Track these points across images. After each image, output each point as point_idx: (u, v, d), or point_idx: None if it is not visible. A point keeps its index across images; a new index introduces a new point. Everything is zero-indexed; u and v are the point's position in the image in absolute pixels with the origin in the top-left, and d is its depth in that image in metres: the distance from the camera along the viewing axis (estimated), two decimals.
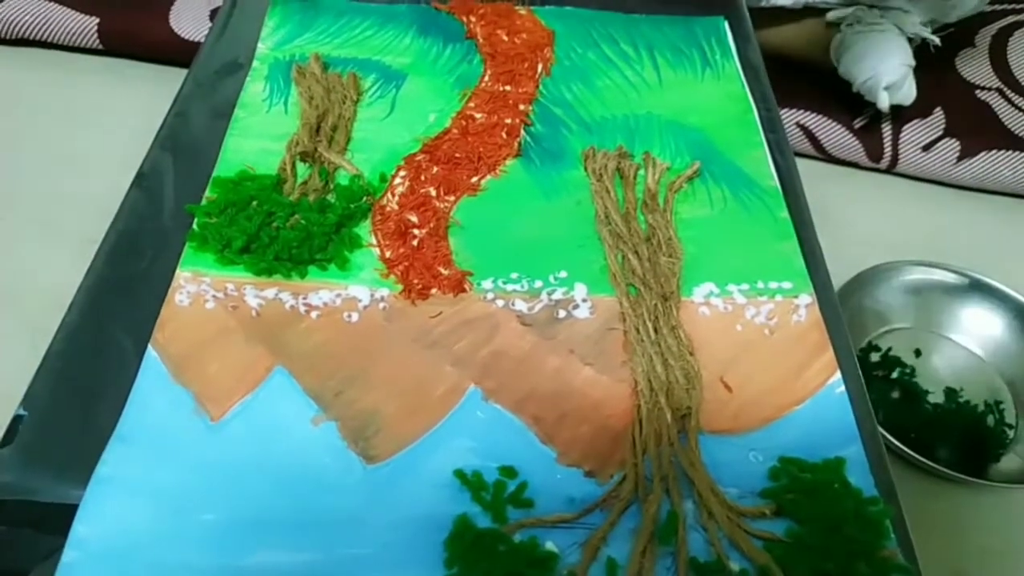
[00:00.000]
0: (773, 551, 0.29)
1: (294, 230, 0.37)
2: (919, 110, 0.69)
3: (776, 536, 0.29)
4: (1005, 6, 0.82)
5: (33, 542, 0.28)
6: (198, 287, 0.36)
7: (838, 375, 0.35)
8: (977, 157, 0.68)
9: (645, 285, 0.37)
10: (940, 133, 0.70)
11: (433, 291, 0.37)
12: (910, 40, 0.66)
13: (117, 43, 0.72)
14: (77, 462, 0.30)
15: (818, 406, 0.34)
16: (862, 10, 0.66)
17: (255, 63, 0.47)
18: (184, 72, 0.47)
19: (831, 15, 0.67)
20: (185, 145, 0.42)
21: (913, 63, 0.64)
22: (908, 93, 0.65)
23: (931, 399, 0.55)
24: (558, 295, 0.37)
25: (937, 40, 0.66)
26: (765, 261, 0.39)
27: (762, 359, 0.35)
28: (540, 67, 0.49)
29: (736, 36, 0.53)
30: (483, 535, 0.29)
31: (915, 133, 0.69)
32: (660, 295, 0.37)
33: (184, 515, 0.29)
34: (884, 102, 0.63)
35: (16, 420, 0.31)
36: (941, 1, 0.66)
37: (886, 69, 0.62)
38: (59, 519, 0.28)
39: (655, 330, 0.36)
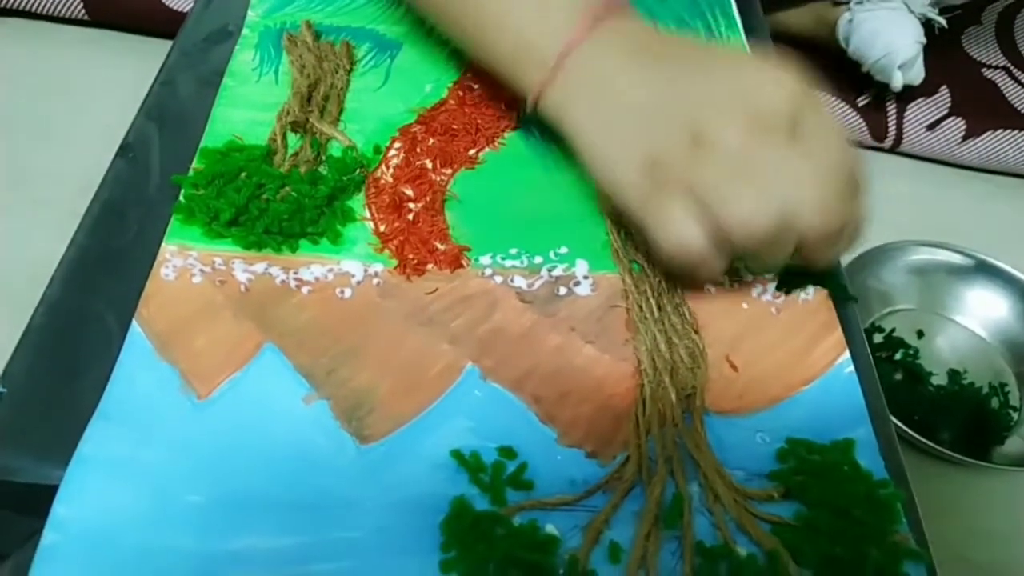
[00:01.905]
0: (781, 535, 0.28)
1: (285, 203, 0.36)
2: (924, 89, 0.68)
3: (784, 520, 0.29)
4: None
5: (12, 524, 0.27)
6: (185, 261, 0.34)
7: (847, 355, 0.34)
8: (982, 136, 0.67)
9: (648, 261, 0.36)
10: (945, 112, 0.68)
11: (429, 267, 0.35)
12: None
13: (103, 13, 0.70)
14: (58, 441, 0.29)
15: (826, 386, 0.33)
16: None
17: (244, 31, 0.46)
18: (171, 43, 0.45)
19: None
20: (172, 114, 0.41)
21: (924, 40, 0.63)
22: (919, 72, 0.64)
23: (935, 381, 0.54)
24: (559, 271, 0.36)
25: (944, 21, 0.65)
26: None
27: (769, 338, 0.34)
28: None
29: (741, 10, 0.51)
30: (481, 518, 0.27)
31: (920, 112, 0.68)
32: (664, 272, 0.36)
33: (169, 496, 0.27)
34: (898, 81, 0.62)
35: None
36: None
37: (900, 47, 0.61)
38: (39, 500, 0.27)
39: (659, 308, 0.34)
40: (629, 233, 0.37)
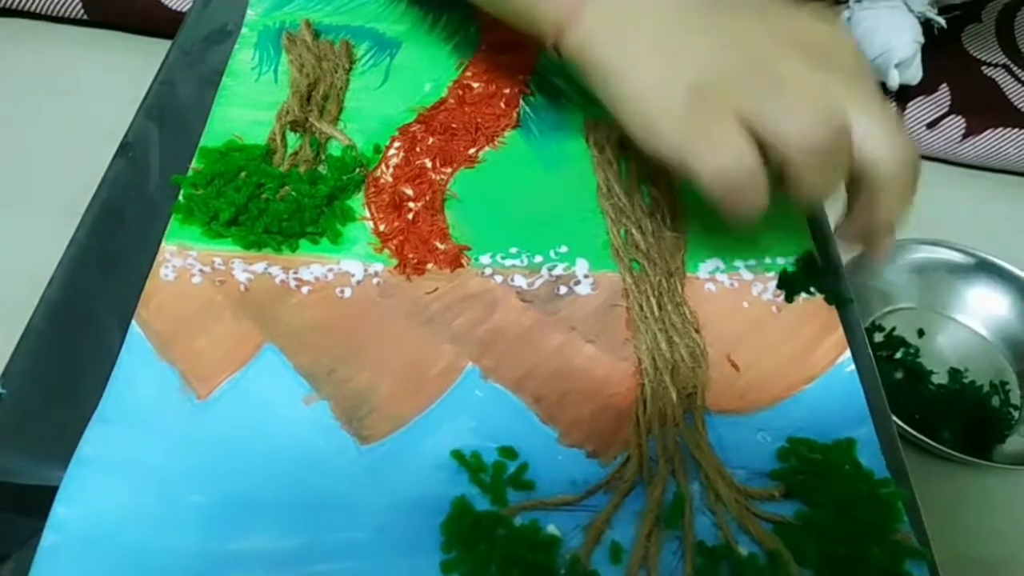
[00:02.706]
0: (783, 534, 0.28)
1: (284, 202, 0.36)
2: (924, 87, 0.68)
3: (786, 519, 0.29)
4: None
5: (12, 525, 0.27)
6: (184, 261, 0.34)
7: (848, 354, 0.34)
8: (983, 135, 0.67)
9: (649, 260, 0.36)
10: (945, 110, 0.68)
11: (429, 266, 0.35)
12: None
13: (102, 13, 0.69)
14: (58, 442, 0.28)
15: (828, 385, 0.33)
16: None
17: (244, 30, 0.46)
18: (170, 43, 0.45)
19: None
20: (171, 114, 0.41)
21: (923, 40, 0.63)
22: (916, 72, 0.64)
23: (935, 380, 0.54)
24: (559, 270, 0.36)
25: (943, 21, 0.65)
26: (772, 237, 0.38)
27: (770, 337, 0.34)
28: None
29: None
30: (482, 518, 0.27)
31: (920, 110, 0.68)
32: (665, 271, 0.36)
33: (169, 497, 0.27)
34: (895, 80, 0.62)
35: None
36: None
37: (897, 46, 0.61)
38: (39, 501, 0.27)
39: (659, 307, 0.34)
40: (630, 232, 0.37)
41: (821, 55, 0.30)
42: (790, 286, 0.36)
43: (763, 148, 0.29)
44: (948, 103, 0.69)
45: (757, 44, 0.30)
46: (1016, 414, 0.53)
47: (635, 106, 0.31)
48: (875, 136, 0.29)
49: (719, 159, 0.29)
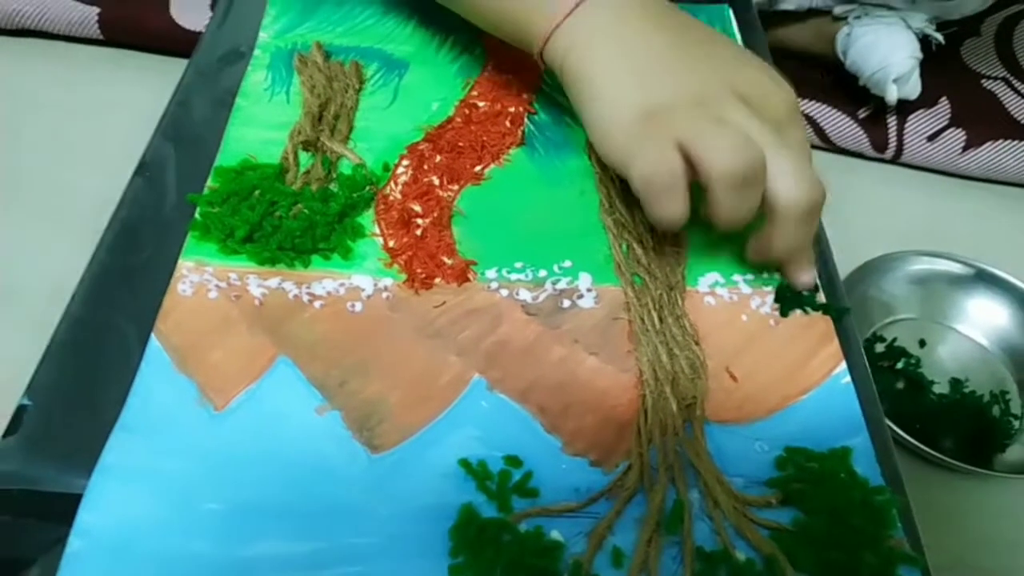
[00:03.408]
0: (779, 540, 0.29)
1: (297, 219, 0.37)
2: (924, 100, 0.69)
3: (782, 525, 0.29)
4: None
5: (38, 531, 0.28)
6: (201, 277, 0.35)
7: (844, 365, 0.35)
8: (983, 147, 0.68)
9: (650, 274, 0.37)
10: (946, 123, 0.69)
11: (437, 281, 0.36)
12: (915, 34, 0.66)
13: (118, 33, 0.71)
14: (81, 451, 0.30)
15: (824, 396, 0.34)
16: (866, 9, 0.66)
17: (256, 52, 0.47)
18: (185, 63, 0.46)
19: (838, 10, 0.67)
20: (187, 134, 0.42)
21: (920, 56, 0.64)
22: (915, 87, 0.64)
23: (936, 390, 0.54)
24: (562, 284, 0.37)
25: (941, 38, 0.66)
26: None
27: (768, 349, 0.35)
28: None
29: (741, 24, 0.52)
30: (488, 524, 0.28)
31: (920, 123, 0.69)
32: (665, 284, 0.37)
33: (188, 504, 0.29)
34: (892, 95, 0.63)
35: (20, 410, 0.31)
36: (941, 4, 0.65)
37: (895, 62, 0.62)
38: (63, 508, 0.28)
39: (660, 319, 0.35)
40: (631, 247, 0.38)
41: (759, 103, 0.35)
42: (786, 301, 0.37)
43: (693, 170, 0.33)
44: (948, 116, 0.69)
45: (708, 85, 0.35)
46: (1016, 423, 0.53)
47: (596, 115, 0.36)
48: (784, 175, 0.33)
49: (648, 164, 0.33)
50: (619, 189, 0.41)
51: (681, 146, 0.33)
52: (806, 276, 0.37)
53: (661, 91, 0.35)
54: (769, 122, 0.34)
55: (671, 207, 0.34)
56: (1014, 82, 0.73)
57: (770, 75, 0.36)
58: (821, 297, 0.37)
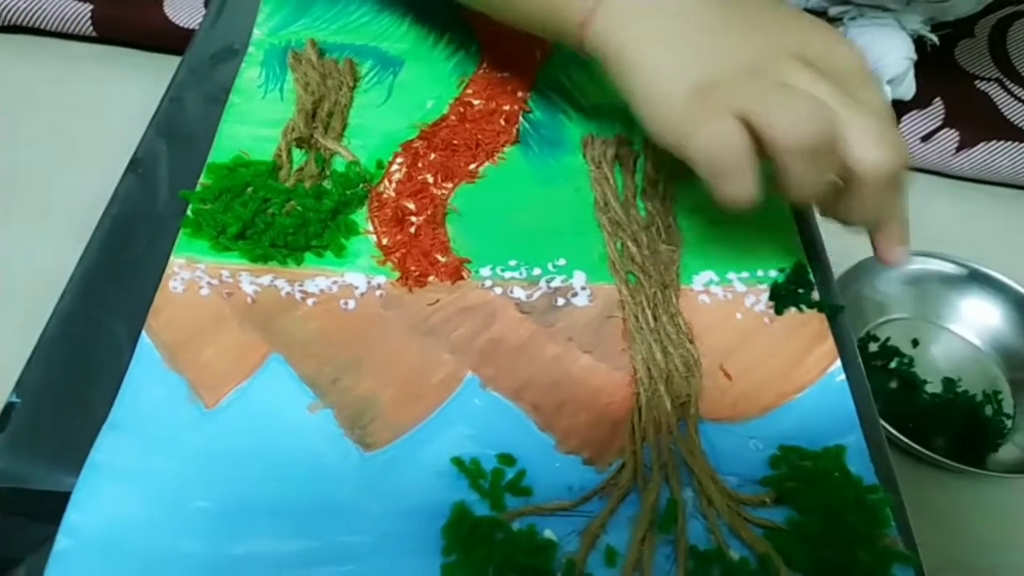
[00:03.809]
0: (773, 539, 0.29)
1: (290, 217, 0.37)
2: (918, 101, 0.69)
3: (776, 524, 0.29)
4: None
5: (26, 530, 0.28)
6: (192, 274, 0.35)
7: (838, 363, 0.35)
8: (976, 148, 0.68)
9: (644, 273, 0.37)
10: (939, 124, 0.69)
11: (430, 278, 0.36)
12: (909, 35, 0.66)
13: (111, 30, 0.71)
14: (70, 449, 0.29)
15: (818, 394, 0.34)
16: (860, 11, 0.66)
17: (250, 49, 0.47)
18: (178, 60, 0.46)
19: (833, 11, 0.67)
20: (180, 131, 0.42)
21: (915, 57, 0.64)
22: (909, 88, 0.65)
23: (929, 389, 0.55)
24: (557, 283, 0.37)
25: (935, 39, 0.66)
26: (765, 249, 0.39)
27: (762, 347, 0.35)
28: (539, 54, 0.49)
29: None
30: (481, 523, 0.28)
31: (914, 124, 0.69)
32: (659, 283, 0.37)
33: (178, 502, 0.28)
34: (887, 96, 0.63)
35: (8, 407, 0.31)
36: (935, 6, 0.65)
37: (889, 63, 0.62)
38: (52, 507, 0.28)
39: (654, 318, 0.35)
40: (625, 245, 0.38)
41: (822, 64, 0.32)
42: (780, 299, 0.37)
43: (758, 144, 0.31)
44: (942, 116, 0.70)
45: (766, 51, 0.32)
46: (1009, 423, 0.53)
47: (644, 94, 0.33)
48: (862, 138, 0.30)
49: (709, 141, 0.31)
50: (614, 187, 0.41)
51: (744, 117, 0.30)
52: (895, 253, 0.34)
53: (714, 61, 0.32)
54: (838, 84, 0.31)
55: (740, 186, 0.31)
56: (1008, 83, 0.74)
57: (834, 35, 0.34)
58: (815, 295, 0.37)
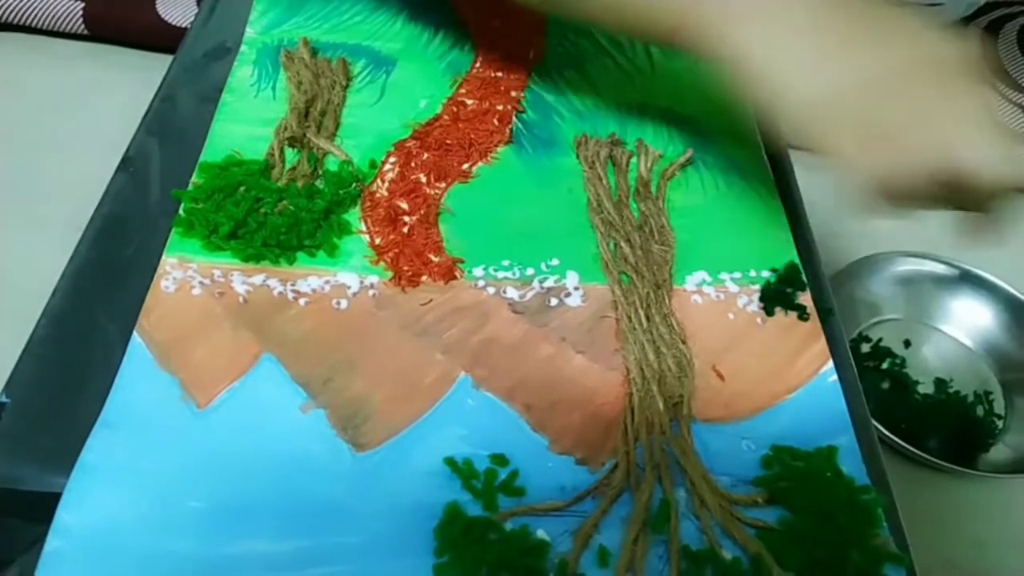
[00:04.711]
0: (765, 539, 0.29)
1: (282, 216, 0.37)
2: None
3: (768, 524, 0.29)
4: None
5: (17, 531, 0.28)
6: (184, 273, 0.35)
7: (830, 364, 0.35)
8: None
9: (637, 273, 0.37)
10: None
11: (423, 278, 0.36)
12: None
13: (103, 28, 0.71)
14: (61, 450, 0.29)
15: (810, 395, 0.34)
16: None
17: (243, 47, 0.47)
18: (170, 58, 0.46)
19: None
20: (171, 129, 0.42)
21: None
22: None
23: (921, 390, 0.55)
24: (550, 283, 0.37)
25: None
26: (758, 249, 0.39)
27: (754, 348, 0.35)
28: (532, 53, 0.49)
29: None
30: (474, 523, 0.28)
31: None
32: (652, 283, 0.37)
33: (170, 502, 0.28)
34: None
35: None
36: (925, 7, 0.65)
37: None
38: (43, 507, 0.28)
39: (647, 318, 0.35)
40: (619, 245, 0.38)
41: (945, 78, 0.32)
42: (770, 300, 0.37)
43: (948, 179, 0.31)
44: None
45: (892, 62, 0.32)
46: (1000, 423, 0.54)
47: (778, 92, 0.33)
48: (986, 159, 0.30)
49: (883, 170, 0.31)
50: (607, 188, 0.41)
51: (877, 138, 0.31)
52: (971, 240, 0.35)
53: (849, 65, 0.32)
54: (959, 96, 0.31)
55: (891, 210, 0.32)
56: (1000, 86, 0.74)
57: (955, 43, 0.33)
58: (807, 297, 0.37)
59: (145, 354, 0.32)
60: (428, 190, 0.40)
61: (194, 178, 0.39)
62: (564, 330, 0.35)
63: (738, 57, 0.33)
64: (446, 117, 0.44)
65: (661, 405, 0.32)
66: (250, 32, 0.48)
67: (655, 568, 0.28)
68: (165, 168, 0.40)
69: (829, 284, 0.39)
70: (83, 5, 0.69)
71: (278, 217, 0.37)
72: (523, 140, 0.43)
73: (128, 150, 0.40)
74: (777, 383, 0.34)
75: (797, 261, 0.39)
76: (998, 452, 0.52)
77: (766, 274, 0.38)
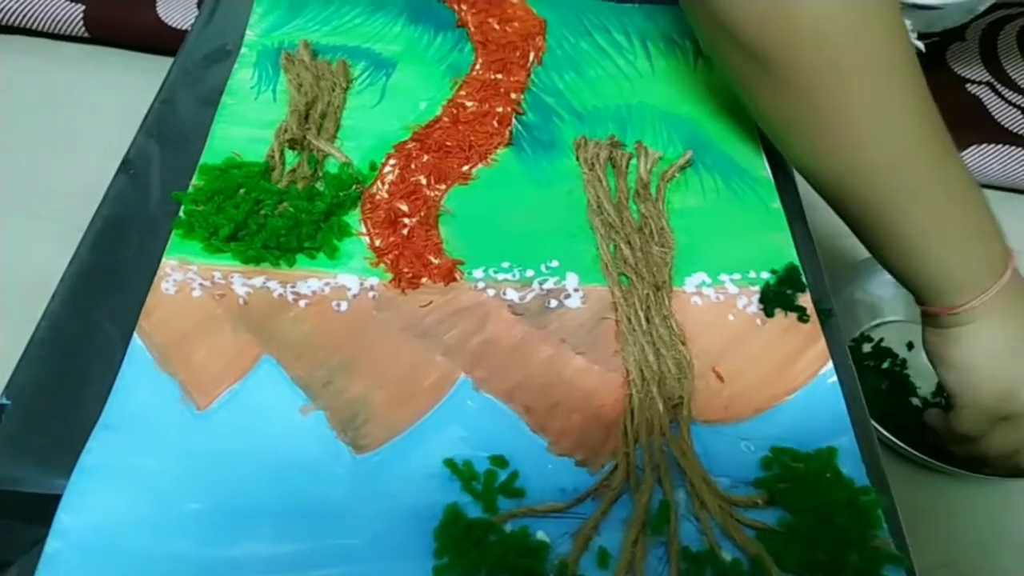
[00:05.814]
0: (765, 541, 0.29)
1: (282, 218, 0.37)
2: None
3: (768, 526, 0.29)
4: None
5: (17, 532, 0.28)
6: (184, 275, 0.35)
7: (830, 365, 0.35)
8: (967, 151, 0.68)
9: (637, 274, 0.37)
10: None
11: (423, 280, 0.36)
12: None
13: (103, 31, 0.71)
14: (61, 451, 0.29)
15: (810, 396, 0.34)
16: None
17: (243, 50, 0.47)
18: (170, 61, 0.46)
19: None
20: (172, 132, 0.42)
21: None
22: None
23: (921, 392, 0.55)
24: (550, 284, 0.37)
25: (922, 47, 0.66)
26: (757, 251, 0.39)
27: (754, 349, 0.35)
28: (532, 56, 0.49)
29: None
30: (473, 525, 0.28)
31: None
32: (652, 284, 0.37)
33: (170, 504, 0.28)
34: None
35: None
36: (924, 13, 0.65)
37: None
38: (43, 509, 0.28)
39: (647, 320, 0.35)
40: (618, 247, 0.38)
41: None
42: (770, 301, 0.37)
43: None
44: None
45: None
46: None
47: (972, 381, 0.39)
48: None
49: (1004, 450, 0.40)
50: (607, 190, 0.41)
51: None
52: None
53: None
54: None
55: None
56: (998, 87, 0.74)
57: None
58: (807, 298, 0.37)
59: (145, 356, 0.32)
60: (428, 192, 0.40)
61: (194, 180, 0.39)
62: (564, 332, 0.35)
63: (967, 336, 0.39)
64: (446, 119, 0.44)
65: (661, 406, 0.32)
66: (250, 34, 0.48)
67: (655, 569, 0.28)
68: (165, 170, 0.40)
69: (830, 285, 0.39)
70: (84, 7, 0.70)
71: (278, 219, 0.37)
72: (523, 142, 0.44)
73: (128, 152, 0.40)
74: (777, 384, 0.34)
75: (797, 262, 0.39)
76: None
77: (766, 275, 0.38)
